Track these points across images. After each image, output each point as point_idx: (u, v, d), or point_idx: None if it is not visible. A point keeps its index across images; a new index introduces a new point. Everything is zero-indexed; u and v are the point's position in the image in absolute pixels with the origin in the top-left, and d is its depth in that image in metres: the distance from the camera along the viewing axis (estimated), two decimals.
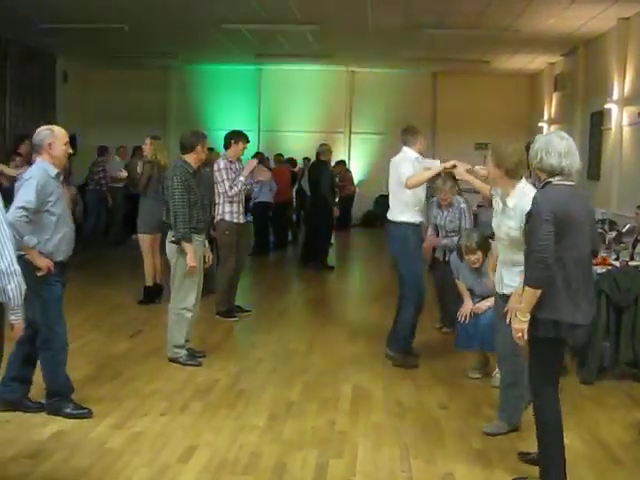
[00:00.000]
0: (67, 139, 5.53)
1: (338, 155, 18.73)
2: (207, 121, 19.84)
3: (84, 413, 5.48)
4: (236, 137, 8.78)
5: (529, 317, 4.30)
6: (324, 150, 13.16)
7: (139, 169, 11.35)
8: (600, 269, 7.07)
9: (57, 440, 5.03)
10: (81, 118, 19.45)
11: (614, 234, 9.04)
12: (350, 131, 21.04)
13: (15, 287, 3.85)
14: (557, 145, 4.34)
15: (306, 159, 17.99)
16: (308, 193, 14.24)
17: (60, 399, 5.43)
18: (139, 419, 5.50)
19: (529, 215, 4.37)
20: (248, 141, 8.92)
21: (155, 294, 9.51)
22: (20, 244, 5.00)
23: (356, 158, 20.76)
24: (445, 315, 8.57)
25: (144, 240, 9.41)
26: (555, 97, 17.67)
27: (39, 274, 5.17)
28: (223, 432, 5.30)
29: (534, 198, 4.36)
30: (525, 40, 14.64)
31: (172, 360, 6.88)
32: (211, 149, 9.99)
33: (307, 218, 14.79)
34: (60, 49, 17.86)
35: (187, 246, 6.75)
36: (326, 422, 5.59)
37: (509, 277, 5.04)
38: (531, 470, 4.67)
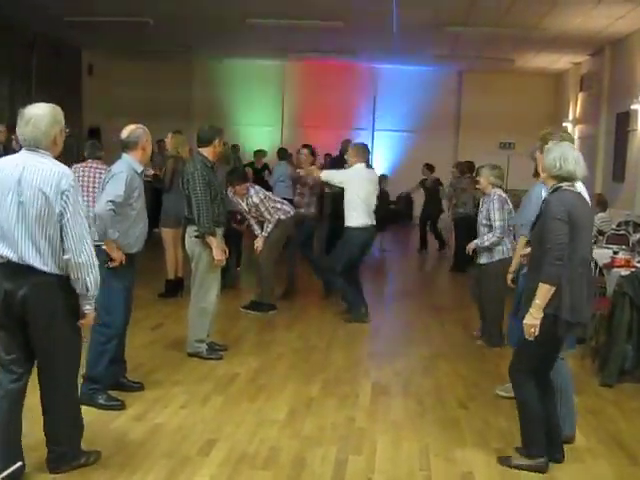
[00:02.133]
0: None
1: None
2: (231, 116, 19.92)
3: (116, 405, 5.54)
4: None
5: (542, 314, 4.47)
6: (348, 147, 13.26)
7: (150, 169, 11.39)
8: (624, 271, 7.02)
9: None
10: (105, 111, 19.56)
11: (638, 236, 8.99)
12: (374, 128, 21.01)
13: (93, 279, 4.08)
14: (572, 153, 4.62)
15: (327, 155, 17.95)
16: (327, 190, 14.17)
17: (96, 389, 5.48)
18: (160, 411, 5.53)
19: (540, 217, 4.62)
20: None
21: (176, 288, 9.55)
22: (102, 236, 5.33)
23: (380, 155, 20.70)
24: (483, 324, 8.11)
25: (167, 234, 9.46)
26: (580, 97, 17.55)
27: (111, 265, 5.41)
28: (243, 426, 5.32)
29: (547, 201, 4.60)
30: (551, 39, 14.57)
31: (192, 355, 6.90)
32: (234, 146, 10.02)
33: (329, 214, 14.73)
34: (85, 42, 17.99)
35: (212, 240, 6.76)
36: (346, 418, 5.60)
37: None
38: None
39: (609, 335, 6.73)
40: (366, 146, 9.07)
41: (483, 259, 7.73)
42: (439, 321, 8.97)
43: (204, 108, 20.52)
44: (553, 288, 4.41)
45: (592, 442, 5.29)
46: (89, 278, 4.05)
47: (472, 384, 6.58)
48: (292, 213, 9.00)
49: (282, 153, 14.62)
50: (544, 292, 4.43)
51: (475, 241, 7.76)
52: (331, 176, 8.85)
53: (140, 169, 5.62)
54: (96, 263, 4.10)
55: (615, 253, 7.81)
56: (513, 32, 13.93)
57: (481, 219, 7.75)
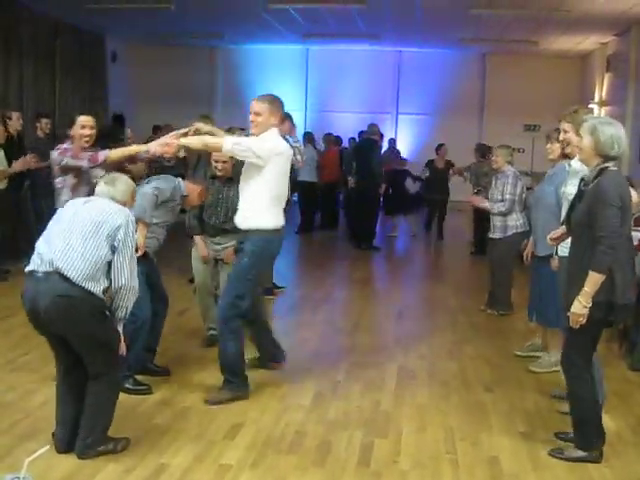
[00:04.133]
0: None
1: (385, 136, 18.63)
2: None
3: (143, 389, 5.57)
4: None
5: (591, 303, 4.33)
6: (375, 130, 13.30)
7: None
8: None
9: None
10: (129, 98, 19.63)
11: None
12: (397, 112, 20.90)
13: (130, 306, 4.42)
14: (623, 132, 4.45)
15: (353, 139, 17.91)
16: (349, 177, 14.15)
17: (124, 376, 5.49)
18: (186, 395, 5.56)
19: (593, 201, 4.36)
20: None
21: None
22: (140, 214, 5.41)
23: (403, 139, 20.59)
24: (491, 297, 8.56)
25: None
26: (607, 78, 17.33)
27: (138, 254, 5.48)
28: (268, 411, 5.34)
29: (600, 185, 4.36)
30: (576, 20, 14.35)
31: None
32: None
33: (354, 198, 14.71)
34: (109, 29, 18.01)
35: (196, 238, 6.80)
36: (371, 402, 5.60)
37: None
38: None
39: (637, 319, 6.67)
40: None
41: (496, 234, 8.16)
42: (463, 305, 8.93)
43: (228, 94, 20.52)
44: (604, 276, 4.27)
45: (620, 426, 5.25)
46: (130, 306, 4.38)
47: (498, 368, 6.56)
48: None
49: (309, 137, 14.93)
50: (595, 280, 4.27)
51: (486, 203, 8.27)
52: (240, 147, 5.20)
53: (185, 194, 5.94)
54: (135, 287, 4.36)
55: None
56: (536, 14, 13.75)
57: (494, 194, 8.20)
